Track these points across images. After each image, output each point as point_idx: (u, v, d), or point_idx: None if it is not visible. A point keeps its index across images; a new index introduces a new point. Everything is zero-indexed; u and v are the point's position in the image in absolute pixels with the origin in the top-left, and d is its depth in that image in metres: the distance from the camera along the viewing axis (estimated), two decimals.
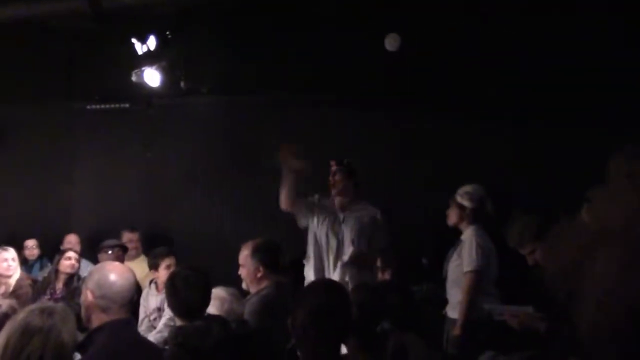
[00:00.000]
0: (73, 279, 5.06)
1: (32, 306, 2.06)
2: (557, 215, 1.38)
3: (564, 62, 5.18)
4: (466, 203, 4.45)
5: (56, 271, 5.10)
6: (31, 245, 6.47)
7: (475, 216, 4.46)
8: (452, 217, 4.53)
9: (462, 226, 4.50)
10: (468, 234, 4.43)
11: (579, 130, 5.08)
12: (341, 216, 4.47)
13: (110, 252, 5.22)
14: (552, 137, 5.31)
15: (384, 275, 4.59)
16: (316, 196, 4.57)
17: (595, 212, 1.10)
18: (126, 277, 2.47)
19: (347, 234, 4.41)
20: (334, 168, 4.53)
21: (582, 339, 0.97)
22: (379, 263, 4.59)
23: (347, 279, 4.25)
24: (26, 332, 1.95)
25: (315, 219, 4.48)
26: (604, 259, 0.94)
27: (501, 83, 5.43)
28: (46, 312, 2.00)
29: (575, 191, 2.40)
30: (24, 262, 6.29)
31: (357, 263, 4.31)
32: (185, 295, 3.05)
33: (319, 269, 4.40)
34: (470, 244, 4.34)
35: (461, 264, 4.37)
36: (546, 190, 5.01)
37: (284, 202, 4.41)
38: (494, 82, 5.44)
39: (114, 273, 2.46)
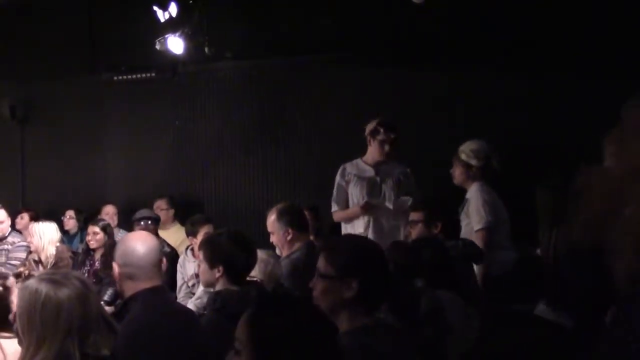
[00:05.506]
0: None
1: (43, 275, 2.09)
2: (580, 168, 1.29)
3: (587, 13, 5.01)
4: (473, 161, 4.26)
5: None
6: (70, 215, 6.58)
7: (482, 174, 4.28)
8: (458, 176, 4.35)
9: (467, 185, 4.33)
10: (473, 191, 4.25)
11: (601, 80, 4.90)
12: (378, 178, 4.51)
13: (142, 223, 5.24)
14: (576, 88, 5.13)
15: (431, 231, 4.41)
16: (341, 174, 4.59)
17: (621, 151, 1.02)
18: (148, 243, 2.48)
19: (387, 192, 4.47)
20: (391, 136, 4.48)
21: (619, 287, 0.91)
22: (422, 217, 4.45)
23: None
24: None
25: (351, 190, 4.54)
26: (637, 201, 0.87)
27: (528, 36, 5.24)
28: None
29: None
30: (65, 233, 6.40)
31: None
32: None
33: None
34: (477, 201, 4.17)
35: (470, 223, 4.21)
36: (569, 142, 4.82)
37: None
38: (520, 35, 5.26)
39: (135, 241, 2.49)
